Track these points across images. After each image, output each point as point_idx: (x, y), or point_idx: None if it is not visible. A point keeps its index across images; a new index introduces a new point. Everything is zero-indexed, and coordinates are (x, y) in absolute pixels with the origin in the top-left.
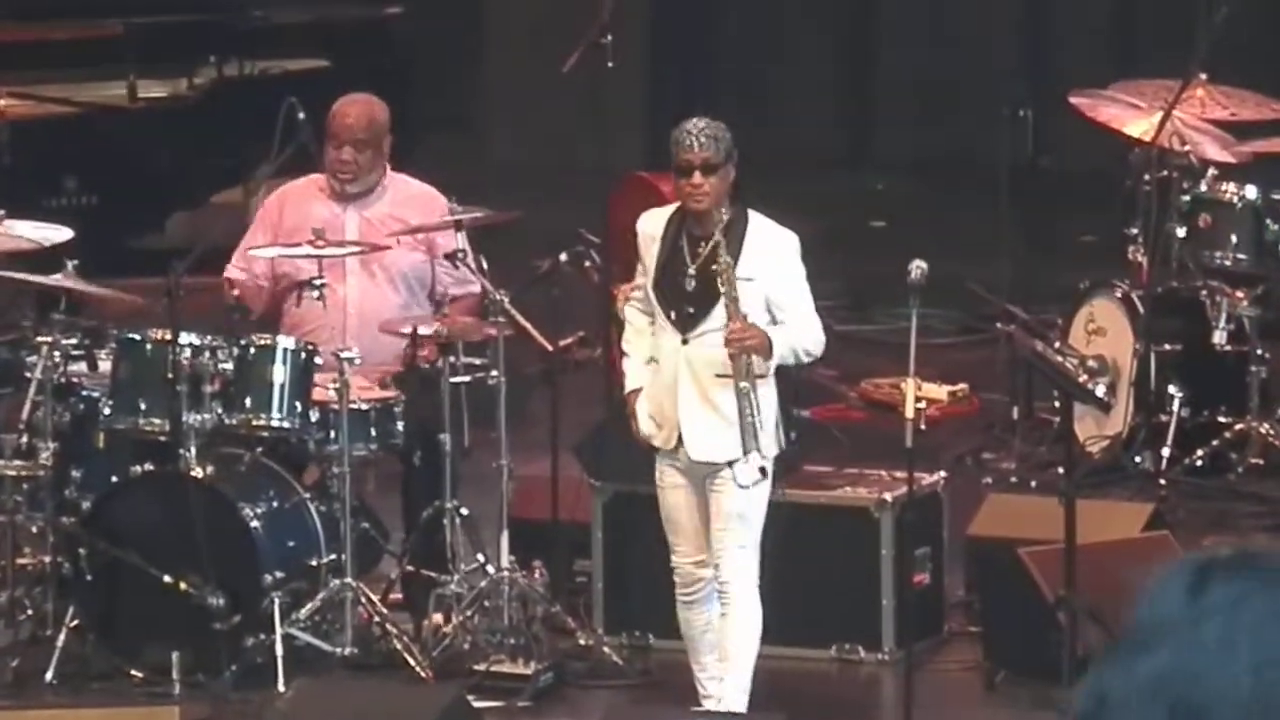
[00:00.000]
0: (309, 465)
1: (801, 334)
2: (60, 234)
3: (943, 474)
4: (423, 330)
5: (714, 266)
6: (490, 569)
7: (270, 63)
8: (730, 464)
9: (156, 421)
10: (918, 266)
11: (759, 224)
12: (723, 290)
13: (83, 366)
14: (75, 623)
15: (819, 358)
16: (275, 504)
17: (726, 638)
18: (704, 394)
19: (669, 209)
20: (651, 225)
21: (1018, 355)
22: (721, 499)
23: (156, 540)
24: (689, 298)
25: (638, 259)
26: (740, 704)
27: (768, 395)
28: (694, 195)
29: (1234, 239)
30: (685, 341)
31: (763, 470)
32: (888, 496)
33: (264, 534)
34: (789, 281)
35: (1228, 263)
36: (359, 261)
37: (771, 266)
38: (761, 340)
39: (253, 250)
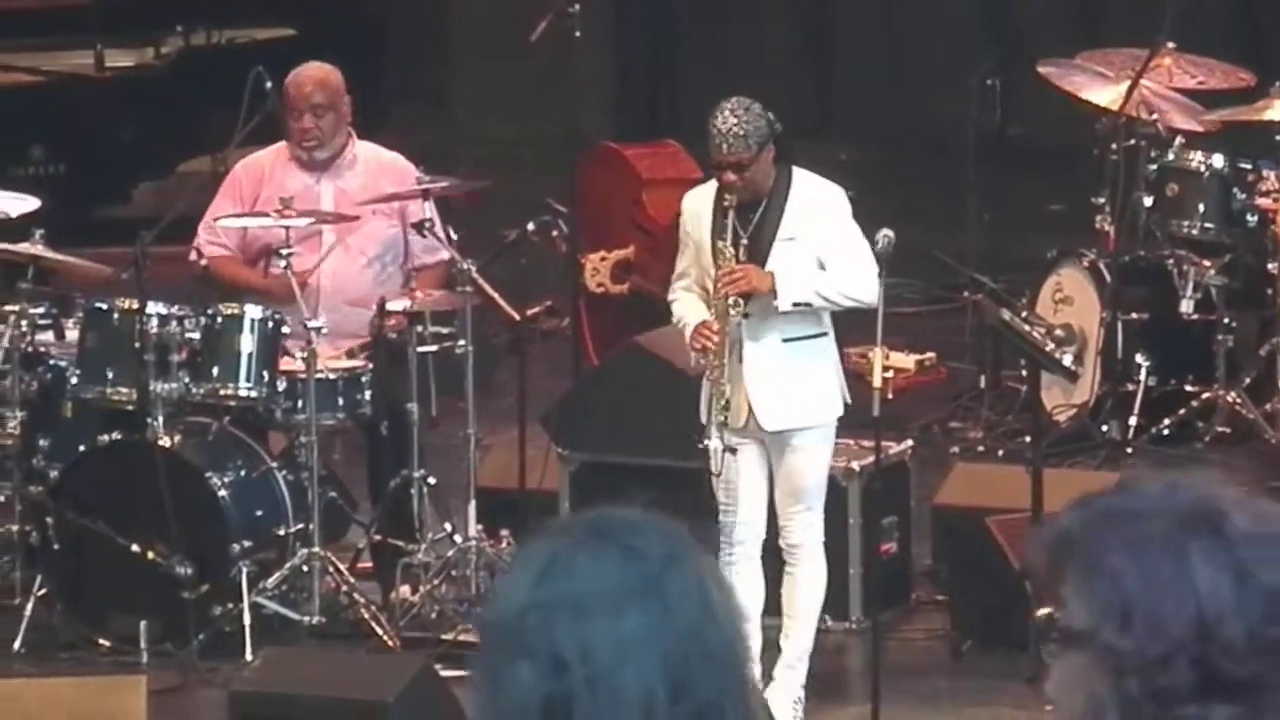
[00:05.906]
0: (275, 434)
1: (843, 279)
2: (27, 203)
3: (910, 443)
4: (391, 304)
5: (720, 243)
6: (457, 538)
7: (237, 32)
8: (801, 430)
9: (124, 391)
10: (885, 236)
11: (802, 181)
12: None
13: (50, 336)
14: (42, 592)
15: (868, 303)
16: (243, 473)
17: (797, 594)
18: (771, 361)
19: (714, 183)
20: (698, 201)
21: (985, 324)
22: (791, 465)
23: (124, 509)
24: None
25: (681, 240)
26: (804, 655)
27: (828, 352)
28: (729, 188)
29: (1201, 208)
30: (747, 315)
31: (732, 450)
32: (855, 465)
33: (231, 503)
34: (833, 230)
35: (1195, 231)
36: (335, 233)
37: (814, 220)
38: (754, 280)
39: (222, 221)
